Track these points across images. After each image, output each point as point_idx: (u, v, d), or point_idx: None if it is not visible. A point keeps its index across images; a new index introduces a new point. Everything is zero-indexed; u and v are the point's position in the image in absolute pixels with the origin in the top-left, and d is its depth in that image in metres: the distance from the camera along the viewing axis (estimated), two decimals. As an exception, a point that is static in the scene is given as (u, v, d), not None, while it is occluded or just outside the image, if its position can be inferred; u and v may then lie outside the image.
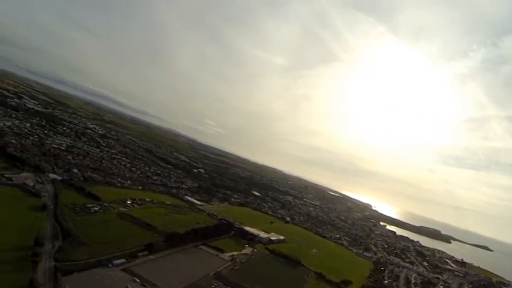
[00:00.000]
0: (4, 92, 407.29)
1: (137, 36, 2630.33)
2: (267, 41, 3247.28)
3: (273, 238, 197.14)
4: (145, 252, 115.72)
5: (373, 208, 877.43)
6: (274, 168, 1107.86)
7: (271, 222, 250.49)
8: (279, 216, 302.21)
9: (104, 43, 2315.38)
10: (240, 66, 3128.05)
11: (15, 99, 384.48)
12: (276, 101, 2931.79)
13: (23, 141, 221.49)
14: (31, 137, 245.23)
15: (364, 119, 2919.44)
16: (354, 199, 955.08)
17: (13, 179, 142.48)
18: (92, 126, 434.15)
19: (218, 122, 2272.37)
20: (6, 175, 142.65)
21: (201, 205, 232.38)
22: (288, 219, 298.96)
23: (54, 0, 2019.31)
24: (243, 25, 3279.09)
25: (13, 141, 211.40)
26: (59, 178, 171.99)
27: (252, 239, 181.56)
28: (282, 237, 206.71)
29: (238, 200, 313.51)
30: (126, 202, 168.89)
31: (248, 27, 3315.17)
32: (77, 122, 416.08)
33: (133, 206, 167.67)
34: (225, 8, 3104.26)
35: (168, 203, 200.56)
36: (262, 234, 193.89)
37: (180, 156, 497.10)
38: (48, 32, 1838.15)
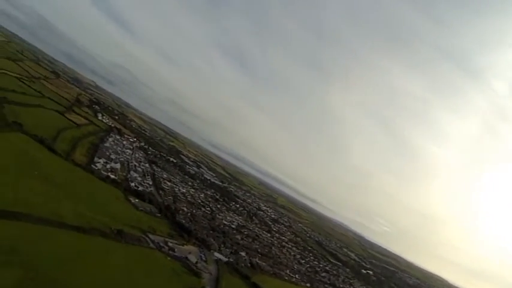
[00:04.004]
0: (185, 159, 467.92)
1: (312, 121, 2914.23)
2: (442, 136, 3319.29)
3: None
4: None
5: None
6: (440, 277, 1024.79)
7: None
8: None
9: (280, 126, 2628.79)
10: (412, 160, 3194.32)
11: (194, 168, 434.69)
12: (446, 201, 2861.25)
13: (194, 211, 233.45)
14: (203, 209, 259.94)
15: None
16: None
17: (176, 250, 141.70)
18: (265, 208, 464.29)
19: (386, 219, 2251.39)
20: (169, 243, 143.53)
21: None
22: None
23: (237, 80, 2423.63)
24: (418, 117, 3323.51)
25: (184, 208, 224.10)
26: (224, 259, 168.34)
27: None
28: None
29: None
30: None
31: (423, 119, 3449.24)
32: (250, 201, 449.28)
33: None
34: (400, 99, 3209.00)
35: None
36: None
37: (349, 253, 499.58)
38: (230, 110, 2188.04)
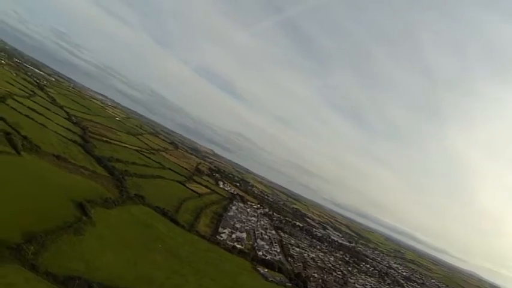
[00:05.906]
0: (310, 221, 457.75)
1: (433, 168, 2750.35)
2: None
3: None
4: None
5: None
6: None
7: None
8: None
9: (400, 176, 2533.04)
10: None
11: (320, 230, 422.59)
12: None
13: (325, 277, 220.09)
14: (334, 273, 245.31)
15: None
16: None
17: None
18: (395, 265, 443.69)
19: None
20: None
21: None
22: None
23: (352, 135, 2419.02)
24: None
25: (315, 275, 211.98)
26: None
27: None
28: None
29: None
30: None
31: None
32: (379, 259, 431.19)
33: None
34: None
35: None
36: None
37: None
38: (348, 166, 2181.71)
